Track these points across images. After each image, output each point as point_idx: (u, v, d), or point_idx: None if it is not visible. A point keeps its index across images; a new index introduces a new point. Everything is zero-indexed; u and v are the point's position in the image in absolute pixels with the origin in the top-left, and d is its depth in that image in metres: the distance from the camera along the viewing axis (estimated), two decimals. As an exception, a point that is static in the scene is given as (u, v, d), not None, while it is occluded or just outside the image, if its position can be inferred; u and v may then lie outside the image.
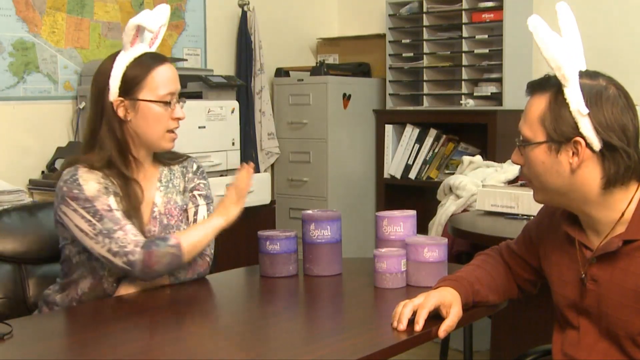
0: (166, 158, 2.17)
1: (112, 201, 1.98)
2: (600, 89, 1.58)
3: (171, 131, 2.07)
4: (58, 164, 3.62)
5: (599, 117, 1.56)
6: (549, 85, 1.62)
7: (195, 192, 2.17)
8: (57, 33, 3.80)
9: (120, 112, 2.04)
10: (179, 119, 2.08)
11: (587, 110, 1.56)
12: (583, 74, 1.60)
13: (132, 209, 2.02)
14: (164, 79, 2.05)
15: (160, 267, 1.96)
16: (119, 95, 2.03)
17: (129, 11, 4.09)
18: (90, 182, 1.97)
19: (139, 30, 2.05)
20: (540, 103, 1.61)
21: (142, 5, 4.14)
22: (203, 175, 2.22)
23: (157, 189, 2.11)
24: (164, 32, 2.16)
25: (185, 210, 2.15)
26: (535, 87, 1.65)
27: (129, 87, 2.03)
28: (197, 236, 2.04)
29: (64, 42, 3.83)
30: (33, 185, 3.64)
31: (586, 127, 1.56)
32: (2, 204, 3.05)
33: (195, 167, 2.22)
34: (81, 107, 3.77)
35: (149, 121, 2.04)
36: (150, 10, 2.08)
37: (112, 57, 2.07)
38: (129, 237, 1.94)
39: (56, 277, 2.16)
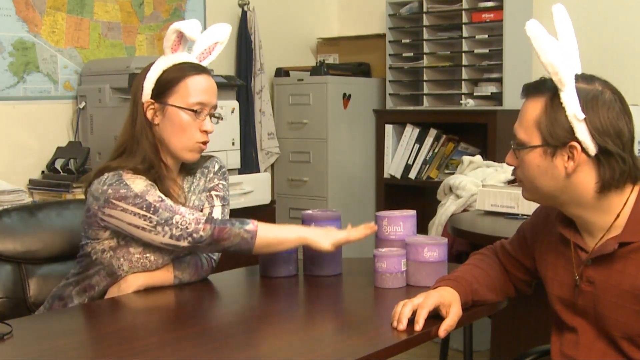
0: (191, 166, 2.16)
1: (161, 193, 1.99)
2: (597, 94, 1.58)
3: (198, 143, 2.06)
4: (58, 164, 3.62)
5: (595, 122, 1.56)
6: (545, 89, 1.61)
7: (213, 193, 2.17)
8: (57, 33, 3.80)
9: (149, 114, 2.04)
10: (206, 131, 2.06)
11: (583, 115, 1.56)
12: (579, 78, 1.60)
13: None
14: (197, 87, 2.03)
15: (228, 244, 1.97)
16: (151, 98, 2.04)
17: (129, 11, 4.09)
18: (137, 179, 1.98)
19: (181, 37, 2.04)
20: (536, 106, 1.61)
21: (142, 5, 4.14)
22: (224, 176, 2.21)
23: None
24: (219, 51, 2.13)
25: (201, 211, 2.15)
26: (531, 90, 1.65)
27: (161, 90, 2.03)
28: (276, 235, 2.01)
29: (64, 42, 3.83)
30: (33, 185, 3.64)
31: (582, 131, 1.56)
32: (2, 204, 3.05)
33: (217, 166, 2.21)
34: (81, 107, 3.76)
35: (174, 128, 2.03)
36: (197, 20, 2.07)
37: (155, 61, 2.09)
38: (187, 218, 1.96)
39: (56, 277, 2.16)
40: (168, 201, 1.98)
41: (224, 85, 3.93)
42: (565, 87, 1.57)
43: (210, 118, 2.08)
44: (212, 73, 2.13)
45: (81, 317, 1.93)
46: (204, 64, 2.11)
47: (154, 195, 1.97)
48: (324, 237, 2.01)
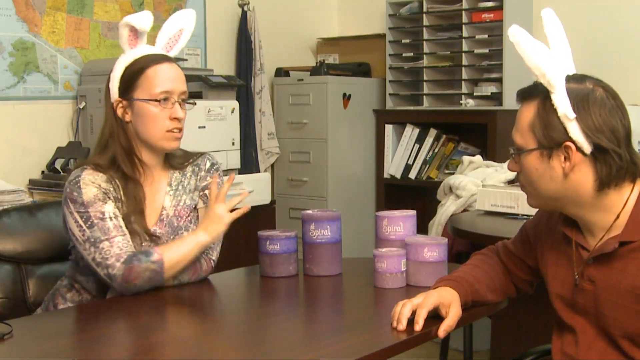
0: (179, 161, 2.14)
1: (109, 208, 1.97)
2: (587, 92, 1.59)
3: (171, 131, 2.04)
4: (58, 164, 3.62)
5: (587, 121, 1.57)
6: (537, 92, 1.63)
7: (207, 192, 2.14)
8: (57, 33, 3.80)
9: (119, 113, 2.04)
10: (177, 118, 2.04)
11: (574, 115, 1.57)
12: (570, 79, 1.61)
13: (134, 212, 2.01)
14: (159, 77, 2.02)
15: (140, 282, 1.94)
16: (119, 96, 2.04)
17: (129, 11, 4.09)
18: (90, 186, 1.97)
19: (135, 32, 2.04)
20: (530, 110, 1.63)
21: (142, 5, 4.14)
22: (218, 173, 2.18)
23: (166, 193, 2.10)
24: (187, 37, 2.13)
25: (195, 209, 2.14)
26: (525, 95, 1.66)
27: (126, 86, 2.03)
28: (180, 253, 1.99)
29: (64, 42, 3.83)
30: (33, 185, 3.64)
31: (575, 131, 1.57)
32: (2, 204, 3.05)
33: (208, 164, 2.19)
34: (81, 107, 3.76)
35: (145, 121, 2.02)
36: (148, 12, 2.06)
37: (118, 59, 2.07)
38: (113, 250, 1.93)
39: (56, 277, 2.16)
40: (110, 223, 1.95)
41: (223, 85, 3.94)
42: (555, 88, 1.59)
43: (183, 104, 2.06)
44: (179, 61, 2.13)
45: (81, 317, 1.92)
46: (173, 52, 2.10)
47: (97, 209, 1.95)
48: (215, 222, 2.03)
